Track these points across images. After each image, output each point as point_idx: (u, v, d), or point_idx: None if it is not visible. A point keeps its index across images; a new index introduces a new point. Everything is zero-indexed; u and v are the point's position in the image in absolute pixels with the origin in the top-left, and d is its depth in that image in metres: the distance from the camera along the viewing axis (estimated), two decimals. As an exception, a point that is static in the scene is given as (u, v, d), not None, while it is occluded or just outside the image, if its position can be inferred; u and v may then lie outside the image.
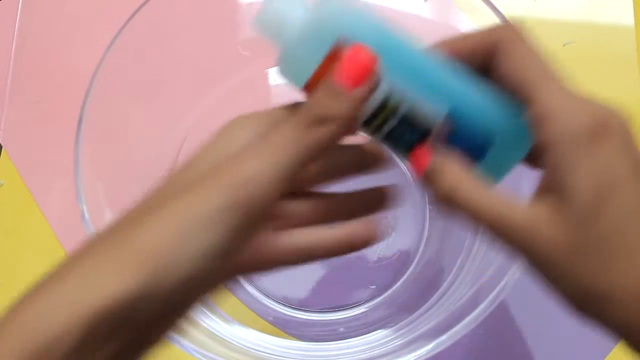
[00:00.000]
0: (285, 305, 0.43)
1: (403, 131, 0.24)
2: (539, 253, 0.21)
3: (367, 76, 0.23)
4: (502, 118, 0.24)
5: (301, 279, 0.44)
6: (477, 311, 0.31)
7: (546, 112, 0.22)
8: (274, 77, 0.48)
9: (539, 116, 0.22)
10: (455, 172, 0.23)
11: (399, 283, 0.43)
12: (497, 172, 0.25)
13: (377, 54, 0.23)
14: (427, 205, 0.45)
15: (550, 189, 0.22)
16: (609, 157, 0.21)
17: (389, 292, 0.43)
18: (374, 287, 0.43)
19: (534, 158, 0.25)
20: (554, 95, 0.22)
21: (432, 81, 0.24)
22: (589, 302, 0.21)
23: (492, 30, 0.24)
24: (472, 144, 0.24)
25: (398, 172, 0.47)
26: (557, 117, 0.21)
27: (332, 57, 0.23)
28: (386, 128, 0.24)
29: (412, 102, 0.24)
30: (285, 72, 0.25)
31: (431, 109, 0.24)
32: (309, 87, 0.24)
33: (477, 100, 0.24)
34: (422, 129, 0.24)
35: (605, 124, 0.21)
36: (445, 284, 0.40)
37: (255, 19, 0.24)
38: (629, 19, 0.51)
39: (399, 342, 0.35)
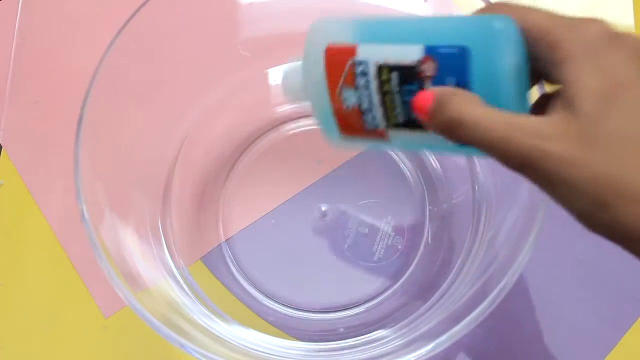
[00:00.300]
0: (285, 306, 0.43)
1: (406, 97, 0.26)
2: (549, 164, 0.21)
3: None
4: (471, 29, 0.24)
5: (301, 279, 0.44)
6: (476, 311, 0.31)
7: (558, 36, 0.22)
8: (274, 77, 0.48)
9: (552, 43, 0.22)
10: (460, 97, 0.23)
11: (399, 283, 0.43)
12: (499, 93, 0.24)
13: (356, 42, 0.26)
14: (427, 205, 0.45)
15: (561, 104, 0.22)
16: (617, 61, 0.21)
17: (389, 292, 0.43)
18: (374, 287, 0.43)
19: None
20: (561, 22, 0.23)
21: (404, 30, 0.26)
22: (600, 211, 0.21)
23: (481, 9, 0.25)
24: (455, 67, 0.24)
25: (398, 172, 0.47)
26: (569, 35, 0.22)
27: (331, 67, 0.27)
28: (398, 109, 0.26)
29: (396, 60, 0.25)
30: (317, 116, 0.29)
31: (411, 50, 0.25)
32: (341, 124, 0.28)
33: (445, 26, 0.25)
34: (415, 81, 0.25)
35: (615, 35, 0.22)
36: (445, 284, 0.40)
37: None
38: (629, 19, 0.51)
39: (399, 342, 0.35)
